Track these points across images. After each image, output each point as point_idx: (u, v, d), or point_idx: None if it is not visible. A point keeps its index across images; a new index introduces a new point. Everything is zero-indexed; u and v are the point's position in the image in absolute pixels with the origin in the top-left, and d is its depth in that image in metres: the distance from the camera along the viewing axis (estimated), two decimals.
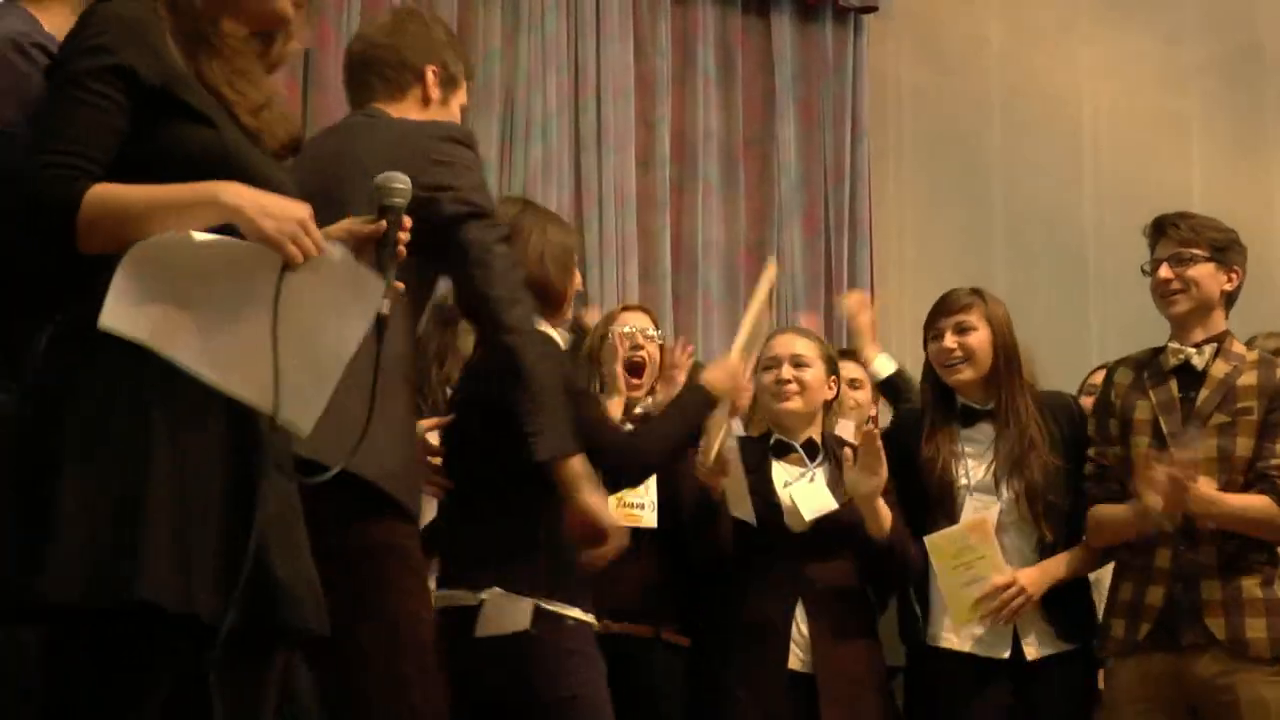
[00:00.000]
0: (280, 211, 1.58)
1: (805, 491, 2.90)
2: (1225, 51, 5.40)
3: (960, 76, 5.49)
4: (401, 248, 1.74)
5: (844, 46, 5.34)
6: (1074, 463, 2.95)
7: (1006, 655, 2.89)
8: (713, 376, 2.53)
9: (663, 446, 2.48)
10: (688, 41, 5.13)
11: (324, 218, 1.76)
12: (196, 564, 1.52)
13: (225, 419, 1.57)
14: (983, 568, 2.86)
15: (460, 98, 2.33)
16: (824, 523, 2.85)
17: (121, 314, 1.51)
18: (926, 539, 2.87)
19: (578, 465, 2.13)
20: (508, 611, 2.29)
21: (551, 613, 2.25)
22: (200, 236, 1.55)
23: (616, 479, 2.41)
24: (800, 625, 2.86)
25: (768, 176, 5.20)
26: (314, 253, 1.59)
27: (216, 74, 1.72)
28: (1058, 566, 2.89)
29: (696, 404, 2.51)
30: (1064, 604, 2.92)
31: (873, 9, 5.32)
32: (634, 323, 3.18)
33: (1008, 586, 2.82)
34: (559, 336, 2.56)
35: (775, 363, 2.95)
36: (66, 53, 1.68)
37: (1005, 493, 2.92)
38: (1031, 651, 2.90)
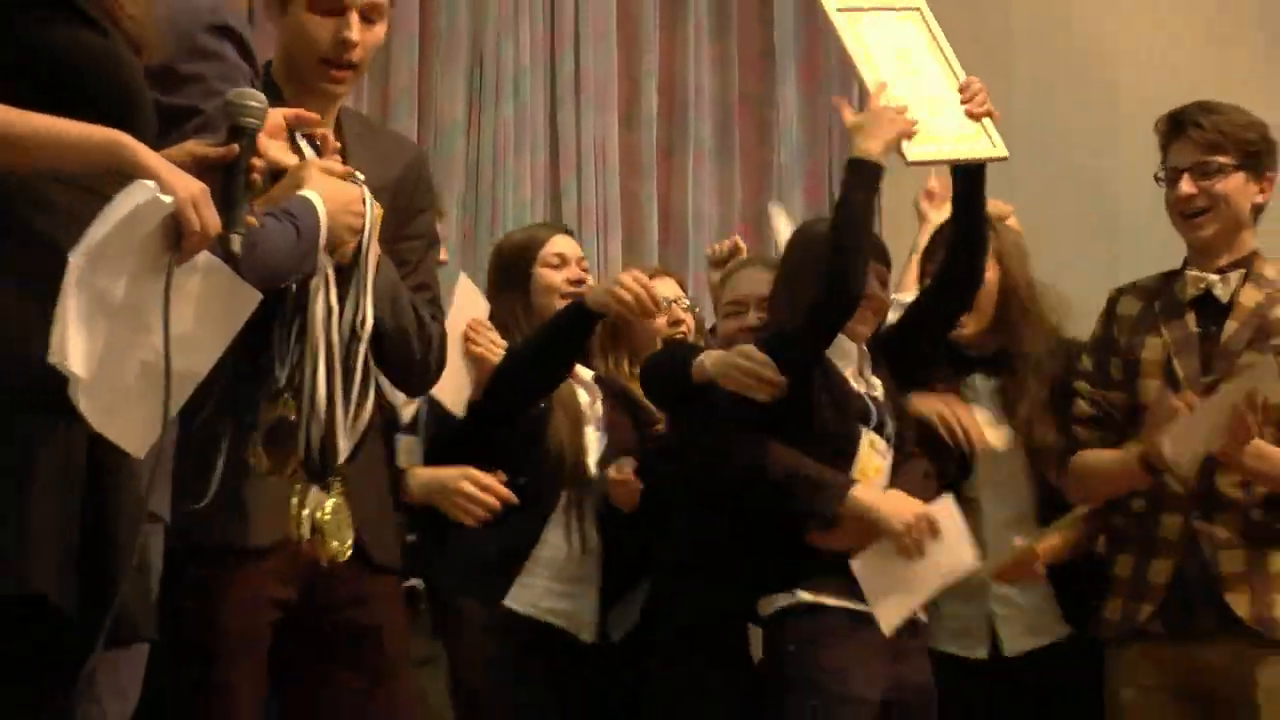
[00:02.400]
0: (183, 179, 1.59)
1: None
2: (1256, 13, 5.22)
3: (981, 30, 4.90)
4: (256, 175, 1.72)
5: None
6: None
7: (984, 655, 2.81)
8: None
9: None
10: None
11: None
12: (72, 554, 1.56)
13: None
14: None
15: None
16: None
17: (71, 350, 1.53)
18: None
19: None
20: None
21: None
22: (127, 208, 1.54)
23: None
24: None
25: (766, 140, 5.13)
26: (211, 230, 1.59)
27: None
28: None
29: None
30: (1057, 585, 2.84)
31: None
32: (667, 293, 3.10)
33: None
34: None
35: (742, 307, 2.87)
36: None
37: (1004, 446, 2.84)
38: (1011, 646, 2.82)
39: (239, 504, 2.03)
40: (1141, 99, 4.83)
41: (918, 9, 2.84)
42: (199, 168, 1.68)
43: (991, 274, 2.78)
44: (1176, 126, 2.70)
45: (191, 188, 1.57)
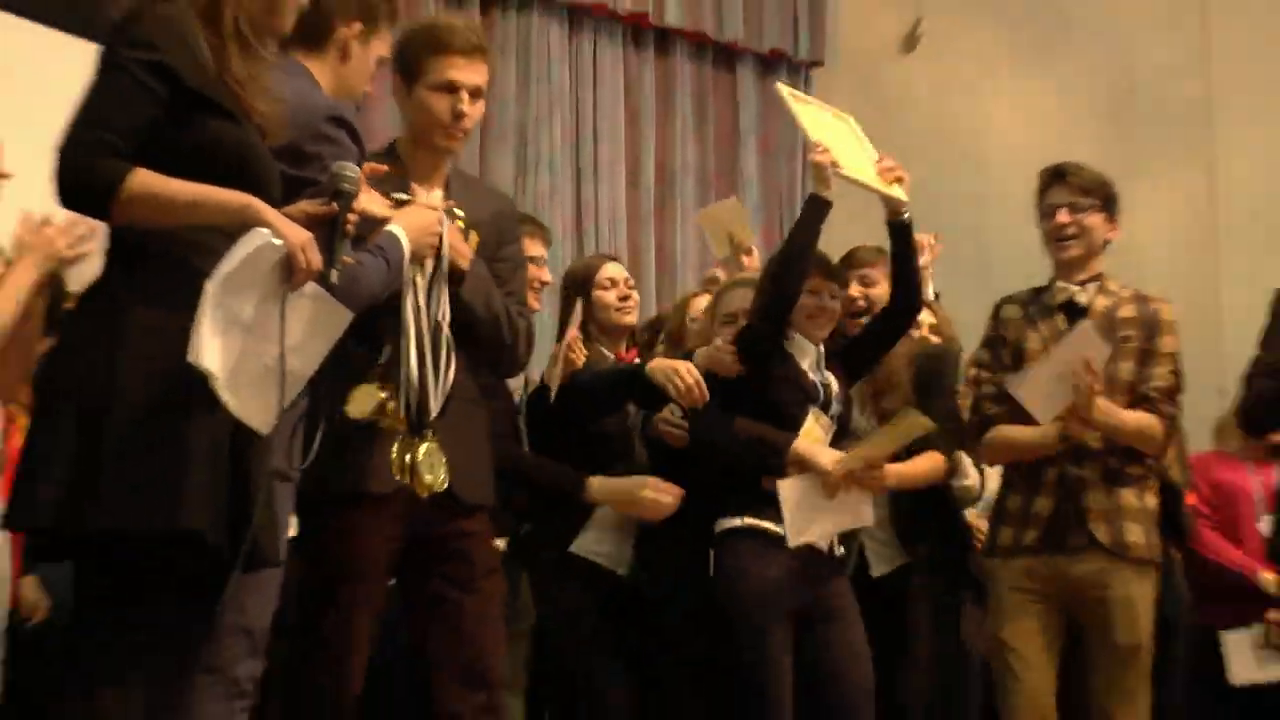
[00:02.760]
0: (295, 229, 1.70)
1: None
2: (1106, 97, 5.84)
3: (891, 120, 5.63)
4: (349, 227, 1.84)
5: (797, 91, 5.14)
6: (928, 397, 2.93)
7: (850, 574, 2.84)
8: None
9: None
10: (668, 89, 5.56)
11: None
12: (220, 501, 1.67)
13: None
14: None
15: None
16: None
17: (205, 353, 1.61)
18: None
19: None
20: None
21: None
22: (248, 250, 1.64)
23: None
24: None
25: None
26: (315, 267, 1.69)
27: (243, 77, 1.76)
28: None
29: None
30: (915, 516, 2.94)
31: (819, 64, 5.90)
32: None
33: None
34: None
35: (733, 318, 2.89)
36: (118, 40, 1.71)
37: (862, 421, 2.93)
38: (876, 569, 2.94)
39: (367, 461, 2.15)
40: (1005, 172, 5.46)
41: (849, 119, 2.99)
42: (309, 221, 1.77)
43: (885, 290, 2.92)
44: (1057, 175, 2.90)
45: (301, 236, 1.68)
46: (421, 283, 2.15)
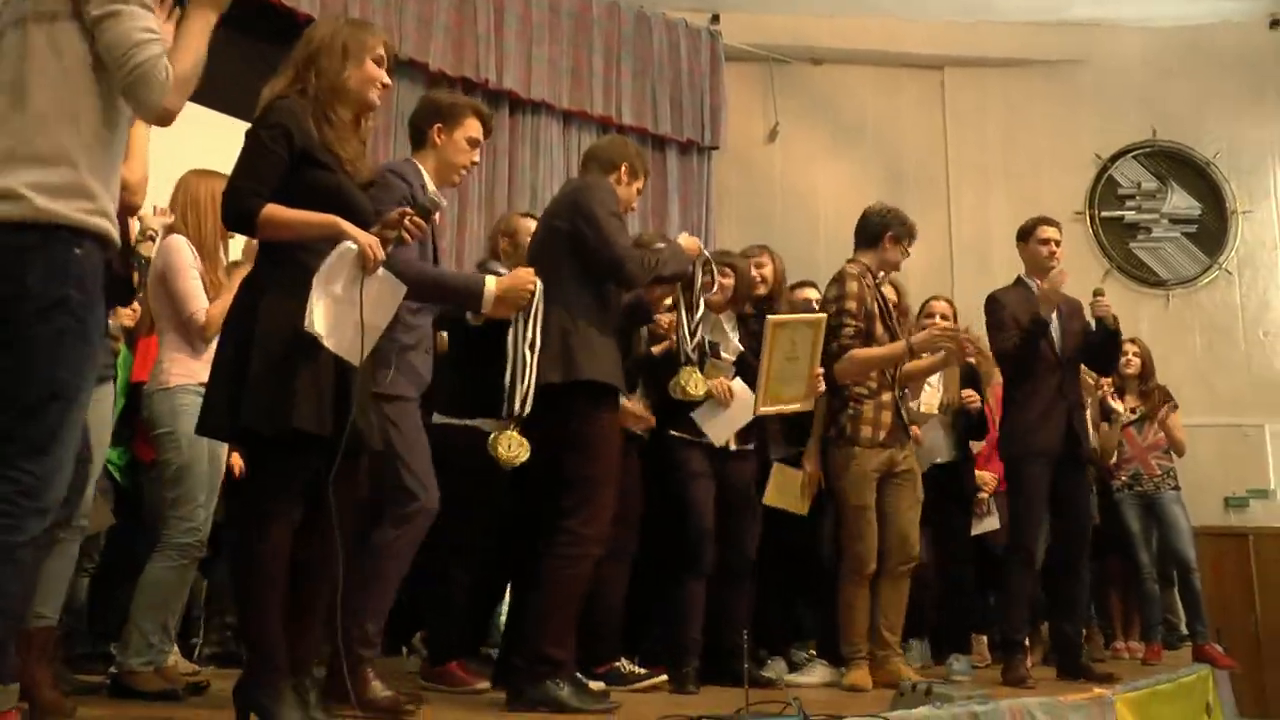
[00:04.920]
0: (366, 236, 2.21)
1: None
2: (885, 174, 7.57)
3: (756, 187, 7.70)
4: (409, 222, 2.34)
5: (702, 166, 7.56)
6: None
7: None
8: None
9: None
10: None
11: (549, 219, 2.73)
12: (324, 409, 2.16)
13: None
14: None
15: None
16: None
17: (316, 322, 2.09)
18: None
19: None
20: None
21: None
22: (337, 254, 2.09)
23: None
24: None
25: (663, 233, 6.24)
26: (380, 258, 2.21)
27: (331, 138, 2.28)
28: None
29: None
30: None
31: (716, 148, 7.62)
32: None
33: None
34: None
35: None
36: (258, 124, 2.21)
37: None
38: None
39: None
40: (827, 220, 7.00)
41: (822, 318, 3.76)
42: (382, 224, 2.30)
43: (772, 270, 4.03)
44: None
45: (368, 239, 2.18)
46: (523, 320, 2.77)
